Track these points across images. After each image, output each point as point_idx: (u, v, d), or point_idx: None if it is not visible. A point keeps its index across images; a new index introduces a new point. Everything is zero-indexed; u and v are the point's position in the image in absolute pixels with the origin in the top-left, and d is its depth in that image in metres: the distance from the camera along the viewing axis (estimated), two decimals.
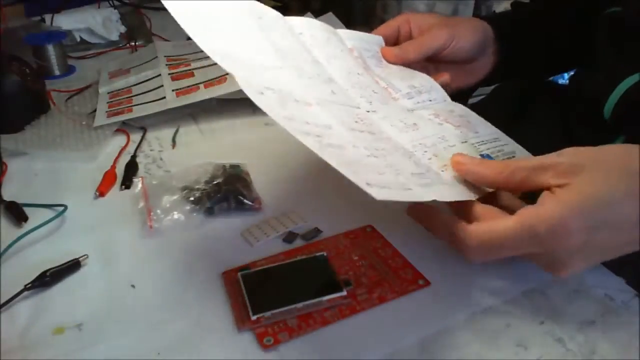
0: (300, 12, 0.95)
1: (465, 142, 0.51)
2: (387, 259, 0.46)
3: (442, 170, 0.46)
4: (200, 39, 0.42)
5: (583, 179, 0.38)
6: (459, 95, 0.79)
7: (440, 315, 0.41)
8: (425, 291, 0.43)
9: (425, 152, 0.48)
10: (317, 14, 0.90)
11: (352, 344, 0.39)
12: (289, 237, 0.49)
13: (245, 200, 0.52)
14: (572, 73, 0.76)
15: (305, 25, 0.56)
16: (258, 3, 0.53)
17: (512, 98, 0.78)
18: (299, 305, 0.41)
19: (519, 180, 0.40)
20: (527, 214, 0.38)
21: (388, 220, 0.50)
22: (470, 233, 0.39)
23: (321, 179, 0.56)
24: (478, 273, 0.44)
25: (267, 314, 0.40)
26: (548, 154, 0.41)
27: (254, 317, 0.40)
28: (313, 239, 0.49)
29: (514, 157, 0.51)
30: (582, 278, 0.44)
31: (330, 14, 0.96)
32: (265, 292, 0.42)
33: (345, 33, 0.61)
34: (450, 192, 0.43)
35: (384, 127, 0.50)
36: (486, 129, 0.55)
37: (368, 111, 0.51)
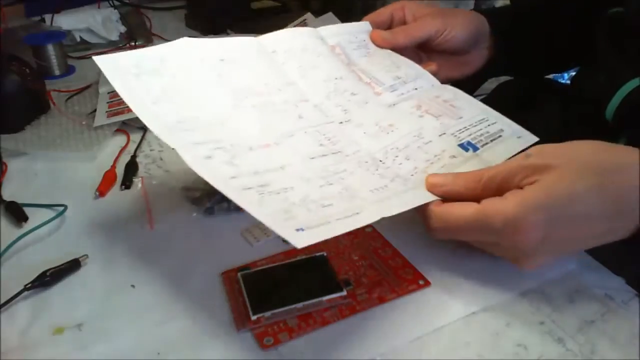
0: (300, 12, 0.95)
1: (444, 134, 0.52)
2: (387, 259, 0.46)
3: (412, 175, 0.48)
4: (143, 115, 0.46)
5: (549, 177, 0.40)
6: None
7: (440, 315, 0.41)
8: (425, 291, 0.43)
9: (397, 156, 0.50)
10: (317, 14, 0.90)
11: (352, 344, 0.39)
12: None
13: None
14: (572, 73, 0.76)
15: (279, 40, 0.58)
16: (224, 39, 0.55)
17: (514, 98, 0.78)
18: (299, 305, 0.41)
19: (494, 189, 0.42)
20: (488, 206, 0.41)
21: (388, 220, 0.50)
22: (435, 213, 0.43)
23: None
24: (478, 273, 0.44)
25: (267, 314, 0.40)
26: (516, 156, 0.43)
27: (254, 317, 0.40)
28: None
29: (500, 136, 0.52)
30: (582, 278, 0.44)
31: (330, 14, 0.96)
32: (265, 292, 0.42)
33: (327, 30, 0.62)
34: (415, 197, 0.45)
35: (355, 136, 0.52)
36: (472, 111, 0.55)
37: (341, 122, 0.53)
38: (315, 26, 0.63)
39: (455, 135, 0.52)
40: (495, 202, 0.40)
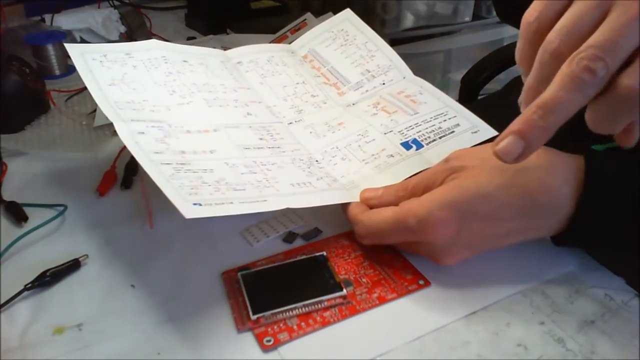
0: (300, 12, 0.95)
1: (390, 131, 0.53)
2: (387, 259, 0.46)
3: (342, 176, 0.50)
4: (94, 90, 0.51)
5: (460, 176, 0.41)
6: (467, 92, 0.78)
7: (440, 315, 0.41)
8: (425, 291, 0.43)
9: (334, 156, 0.52)
10: (317, 14, 0.90)
11: (352, 344, 0.39)
12: (289, 237, 0.49)
13: None
14: None
15: (245, 53, 0.61)
16: (191, 47, 0.59)
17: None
18: (299, 305, 0.41)
19: (421, 195, 0.43)
20: (404, 207, 0.42)
21: None
22: (360, 221, 0.45)
23: None
24: (478, 273, 0.44)
25: (267, 314, 0.40)
26: (438, 162, 0.44)
27: (254, 317, 0.40)
28: (313, 239, 0.49)
29: (453, 132, 0.52)
30: (582, 278, 0.44)
31: (329, 14, 0.96)
32: (265, 292, 0.42)
33: (299, 42, 0.64)
34: (331, 197, 0.47)
35: (300, 136, 0.54)
36: (433, 106, 0.55)
37: (290, 122, 0.55)
38: (315, 25, 0.64)
39: (402, 133, 0.52)
40: (410, 202, 0.42)
